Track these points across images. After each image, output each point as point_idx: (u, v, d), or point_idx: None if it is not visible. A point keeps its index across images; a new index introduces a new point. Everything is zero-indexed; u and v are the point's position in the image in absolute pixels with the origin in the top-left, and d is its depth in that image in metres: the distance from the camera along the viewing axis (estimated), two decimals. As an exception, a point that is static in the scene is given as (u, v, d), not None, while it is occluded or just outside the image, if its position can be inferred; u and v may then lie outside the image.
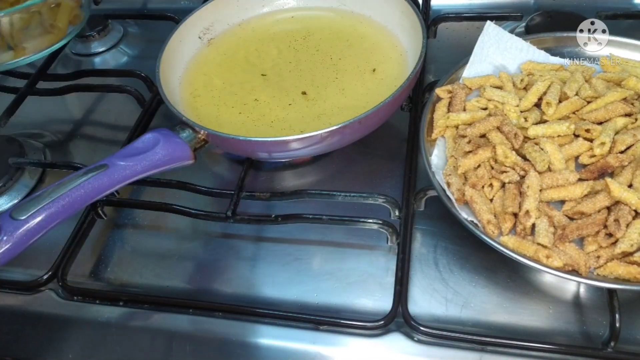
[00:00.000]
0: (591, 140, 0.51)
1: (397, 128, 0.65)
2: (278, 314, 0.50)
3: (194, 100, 0.66)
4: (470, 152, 0.51)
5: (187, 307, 0.52)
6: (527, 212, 0.46)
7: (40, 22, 0.65)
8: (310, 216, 0.54)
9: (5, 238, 0.44)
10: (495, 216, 0.48)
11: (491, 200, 0.50)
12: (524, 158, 0.51)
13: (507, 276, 0.51)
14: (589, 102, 0.54)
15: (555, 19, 0.71)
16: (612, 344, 0.44)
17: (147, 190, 0.63)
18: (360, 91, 0.64)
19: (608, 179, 0.46)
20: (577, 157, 0.51)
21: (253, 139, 0.54)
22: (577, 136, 0.52)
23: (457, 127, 0.55)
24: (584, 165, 0.50)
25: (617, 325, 0.44)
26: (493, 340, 0.45)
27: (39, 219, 0.46)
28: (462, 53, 0.61)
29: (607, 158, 0.49)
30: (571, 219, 0.47)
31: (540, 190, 0.48)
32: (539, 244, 0.45)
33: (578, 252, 0.44)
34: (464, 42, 0.75)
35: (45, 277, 0.54)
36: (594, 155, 0.50)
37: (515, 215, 0.48)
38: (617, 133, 0.51)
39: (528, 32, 0.70)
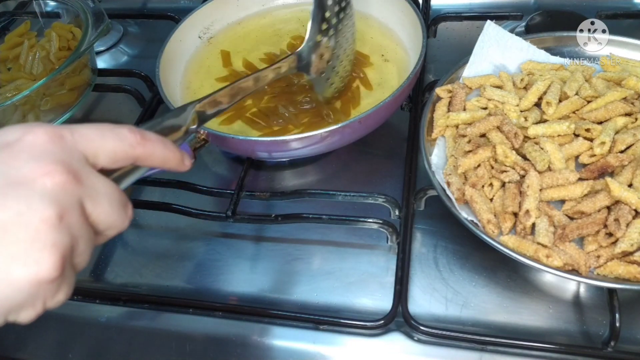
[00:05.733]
0: (591, 140, 0.51)
1: (397, 128, 0.65)
2: (278, 313, 0.50)
3: (194, 100, 0.66)
4: (470, 151, 0.51)
5: (187, 307, 0.52)
6: (527, 211, 0.46)
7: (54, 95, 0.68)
8: (310, 216, 0.54)
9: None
10: (495, 216, 0.48)
11: (491, 199, 0.50)
12: (524, 157, 0.51)
13: (507, 276, 0.51)
14: (589, 102, 0.54)
15: (555, 18, 0.71)
16: (612, 343, 0.44)
17: (147, 190, 0.63)
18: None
19: (608, 179, 0.46)
20: (577, 157, 0.51)
21: (253, 138, 0.54)
22: (577, 136, 0.52)
23: (457, 126, 0.55)
24: (584, 165, 0.50)
25: (617, 325, 0.44)
26: (493, 339, 0.45)
27: (39, 218, 0.46)
28: (462, 53, 0.61)
29: (607, 157, 0.49)
30: (571, 218, 0.47)
31: (540, 190, 0.48)
32: (539, 243, 0.45)
33: (578, 252, 0.44)
34: (464, 42, 0.75)
35: (45, 276, 0.54)
36: (594, 155, 0.50)
37: (515, 214, 0.48)
38: (617, 132, 0.51)
39: (528, 32, 0.70)
